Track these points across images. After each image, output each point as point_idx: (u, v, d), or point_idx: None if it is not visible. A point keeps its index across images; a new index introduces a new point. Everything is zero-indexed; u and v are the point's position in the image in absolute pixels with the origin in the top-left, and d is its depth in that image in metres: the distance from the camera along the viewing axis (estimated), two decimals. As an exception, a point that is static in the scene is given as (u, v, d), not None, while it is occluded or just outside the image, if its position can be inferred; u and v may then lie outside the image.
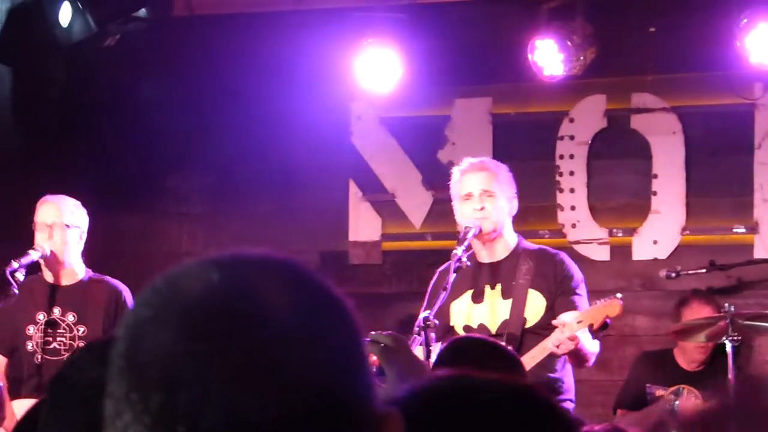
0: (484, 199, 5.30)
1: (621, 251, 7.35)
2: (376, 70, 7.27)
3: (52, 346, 5.97)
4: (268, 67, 7.59)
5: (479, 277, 5.35)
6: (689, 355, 6.37)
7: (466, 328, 5.31)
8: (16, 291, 5.72)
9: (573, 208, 7.44)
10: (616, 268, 7.34)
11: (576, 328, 5.01)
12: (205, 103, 7.82)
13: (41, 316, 6.00)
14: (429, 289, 5.35)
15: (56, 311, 6.00)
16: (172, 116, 7.73)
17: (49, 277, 6.06)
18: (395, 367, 2.78)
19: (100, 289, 6.04)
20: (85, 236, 6.08)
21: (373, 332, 2.89)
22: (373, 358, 2.81)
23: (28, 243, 5.99)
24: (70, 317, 5.99)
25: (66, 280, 6.07)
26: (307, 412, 1.00)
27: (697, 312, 6.24)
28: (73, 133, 7.98)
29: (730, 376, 5.63)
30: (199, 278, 1.04)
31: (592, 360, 5.28)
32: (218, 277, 1.04)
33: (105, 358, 1.90)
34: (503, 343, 3.62)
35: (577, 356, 5.16)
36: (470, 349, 3.32)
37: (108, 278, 6.12)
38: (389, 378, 2.75)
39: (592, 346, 5.17)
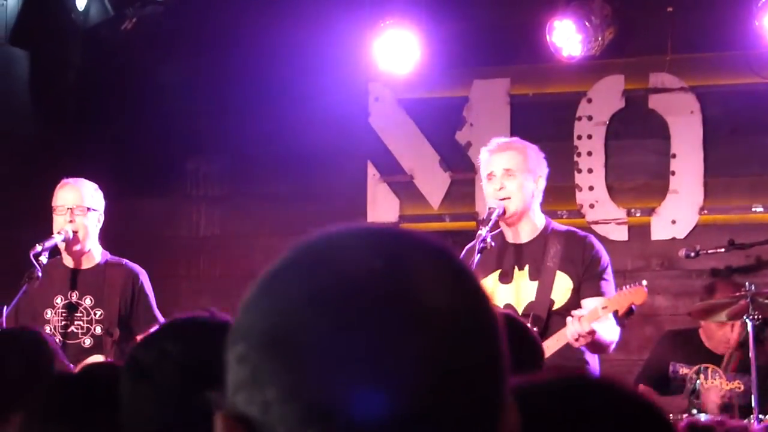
0: (505, 178, 5.28)
1: (639, 231, 7.35)
2: (394, 51, 7.27)
3: (69, 330, 5.95)
4: (286, 49, 7.58)
5: (507, 257, 5.33)
6: (713, 334, 6.36)
7: (493, 307, 5.30)
8: (40, 274, 5.72)
9: (591, 188, 7.44)
10: (635, 248, 7.33)
11: (601, 314, 5.00)
12: (222, 85, 7.82)
13: (59, 300, 5.99)
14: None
15: (74, 295, 6.00)
16: (190, 99, 7.74)
17: (68, 261, 6.04)
18: None
19: (118, 273, 6.02)
20: (102, 219, 6.07)
21: None
22: None
23: (47, 227, 5.98)
24: (88, 300, 5.98)
25: (84, 264, 6.05)
26: (467, 403, 1.00)
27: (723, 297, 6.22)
28: (90, 116, 7.99)
29: (751, 354, 5.64)
30: (359, 262, 1.02)
31: (611, 348, 5.27)
32: (380, 262, 1.02)
33: (185, 335, 1.94)
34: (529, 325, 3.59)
35: (594, 345, 5.15)
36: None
37: (126, 261, 6.09)
38: None
39: (612, 335, 5.15)
